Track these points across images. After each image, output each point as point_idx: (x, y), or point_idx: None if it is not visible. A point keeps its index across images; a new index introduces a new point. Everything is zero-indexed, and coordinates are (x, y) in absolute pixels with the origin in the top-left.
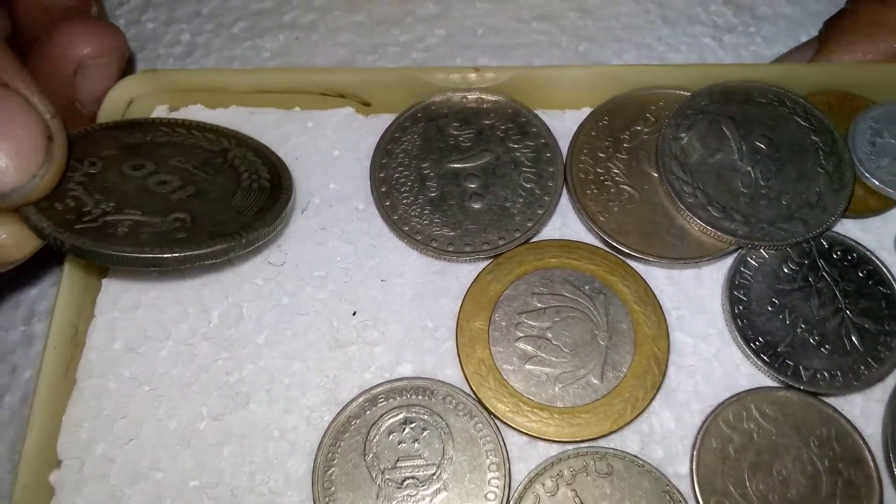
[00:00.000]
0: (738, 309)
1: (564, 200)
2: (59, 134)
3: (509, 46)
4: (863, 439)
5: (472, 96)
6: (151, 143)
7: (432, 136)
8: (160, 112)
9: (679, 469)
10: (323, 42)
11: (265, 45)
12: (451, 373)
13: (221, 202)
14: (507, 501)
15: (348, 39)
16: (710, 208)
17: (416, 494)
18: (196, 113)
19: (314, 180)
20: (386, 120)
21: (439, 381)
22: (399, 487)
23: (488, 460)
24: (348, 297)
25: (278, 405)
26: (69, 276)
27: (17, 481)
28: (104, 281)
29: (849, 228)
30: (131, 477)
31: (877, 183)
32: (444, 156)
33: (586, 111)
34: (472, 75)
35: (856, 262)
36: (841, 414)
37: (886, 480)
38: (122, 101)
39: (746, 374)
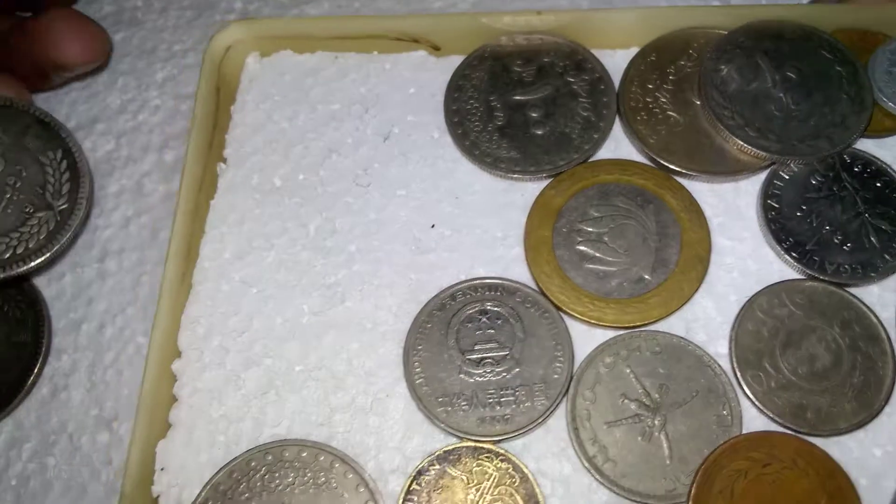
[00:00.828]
0: (771, 215)
1: (617, 126)
2: None
3: None
4: (879, 321)
5: (533, 38)
6: None
7: (498, 73)
8: (254, 59)
9: (719, 349)
10: None
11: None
12: (519, 273)
13: None
14: (572, 376)
15: None
16: (746, 129)
17: (491, 372)
18: (286, 58)
19: (394, 113)
20: (454, 61)
21: (510, 279)
22: (477, 366)
23: (554, 342)
24: (427, 212)
25: (370, 302)
26: (184, 199)
27: (147, 371)
28: (211, 202)
29: (868, 146)
30: (245, 364)
31: (892, 105)
32: (509, 90)
33: (634, 50)
34: (534, 18)
35: (874, 173)
36: (860, 301)
37: None
38: (220, 48)
39: (778, 269)
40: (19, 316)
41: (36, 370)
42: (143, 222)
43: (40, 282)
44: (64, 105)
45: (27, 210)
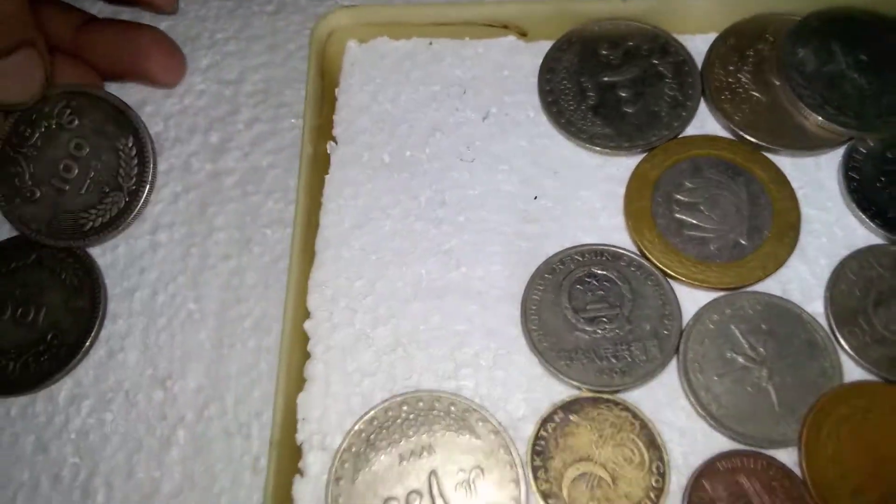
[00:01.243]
0: (854, 185)
1: (702, 106)
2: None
3: None
4: None
5: (618, 23)
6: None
7: (587, 56)
8: (354, 44)
9: (816, 308)
10: None
11: None
12: (620, 240)
13: None
14: (682, 332)
15: None
16: (826, 107)
17: (605, 329)
18: (383, 44)
19: (490, 94)
20: (542, 45)
21: (614, 245)
22: (590, 323)
23: (661, 302)
24: (529, 185)
25: (483, 268)
26: (304, 175)
27: (284, 330)
28: (326, 177)
29: None
30: (372, 323)
31: None
32: (599, 71)
33: (713, 35)
34: (619, 4)
35: None
36: None
37: None
38: (323, 34)
39: (863, 235)
40: (76, 283)
41: (93, 333)
42: (190, 198)
43: (95, 252)
44: (112, 87)
45: (104, 191)
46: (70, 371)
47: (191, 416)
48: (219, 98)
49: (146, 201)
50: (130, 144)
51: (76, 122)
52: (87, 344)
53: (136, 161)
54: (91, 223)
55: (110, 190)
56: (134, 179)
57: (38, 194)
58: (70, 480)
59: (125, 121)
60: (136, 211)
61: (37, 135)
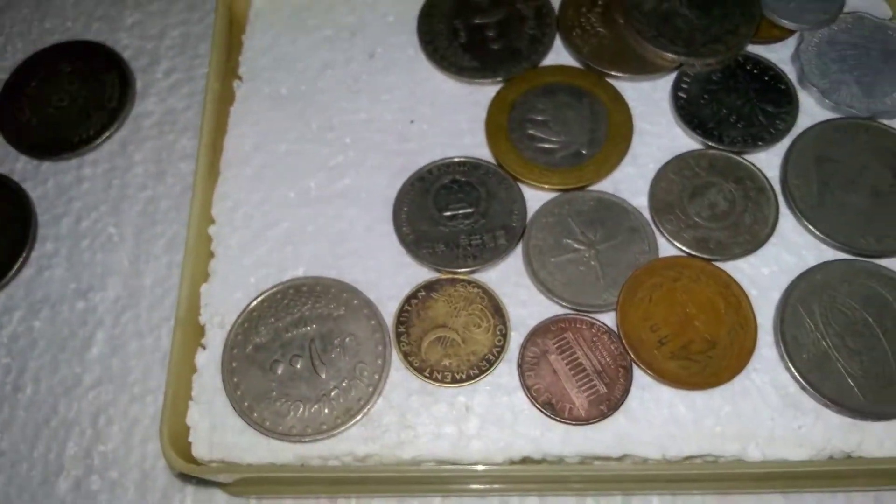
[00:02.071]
0: (681, 103)
1: (557, 42)
2: None
3: None
4: (765, 178)
5: None
6: None
7: (461, 2)
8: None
9: (641, 202)
10: None
11: None
12: (482, 154)
13: None
14: (525, 224)
15: None
16: (660, 38)
17: (462, 224)
18: None
19: (376, 37)
20: None
21: (475, 157)
22: (451, 220)
23: (512, 201)
24: (407, 112)
25: (365, 179)
26: (209, 106)
27: (189, 234)
28: (231, 108)
29: (759, 50)
30: (266, 226)
31: (777, 18)
32: (470, 15)
33: None
34: None
35: (762, 70)
36: (751, 163)
37: (782, 203)
38: None
39: (686, 143)
40: (10, 212)
41: (24, 255)
42: (113, 138)
43: (28, 185)
44: None
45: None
46: (3, 287)
47: (109, 321)
48: (141, 51)
49: None
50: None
51: None
52: (19, 264)
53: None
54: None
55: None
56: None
57: None
58: (2, 378)
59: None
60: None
61: None
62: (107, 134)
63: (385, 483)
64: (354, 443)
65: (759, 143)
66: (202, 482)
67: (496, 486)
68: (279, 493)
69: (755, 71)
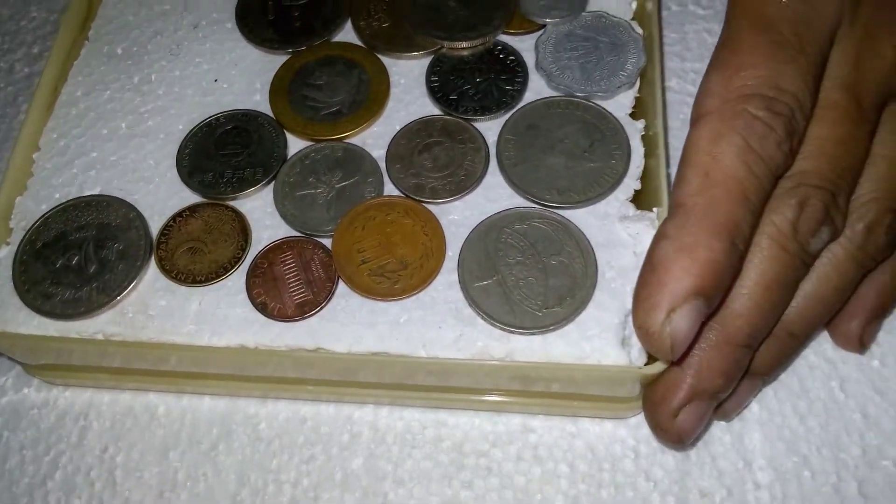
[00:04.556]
0: (433, 79)
1: (349, 25)
2: None
3: None
4: (484, 140)
5: None
6: None
7: None
8: None
9: (381, 154)
10: None
11: None
12: (265, 109)
13: None
14: (284, 161)
15: None
16: (425, 25)
17: (231, 160)
18: None
19: (203, 12)
20: None
21: (257, 111)
22: (224, 157)
23: (275, 146)
24: (215, 72)
25: (169, 122)
26: (53, 60)
27: (13, 156)
28: (75, 62)
29: (509, 40)
30: (78, 153)
31: (527, 13)
32: None
33: None
34: None
35: (507, 54)
36: (476, 129)
37: (493, 161)
38: None
39: (431, 110)
40: None
41: None
42: (8, 90)
43: None
44: None
45: None
46: None
47: None
48: (45, 23)
49: None
50: None
51: None
52: None
53: None
54: None
55: None
56: None
57: None
58: None
59: None
60: None
61: None
62: None
63: (143, 375)
64: (105, 324)
65: (487, 113)
66: (20, 365)
67: (214, 370)
68: (78, 380)
69: (501, 55)
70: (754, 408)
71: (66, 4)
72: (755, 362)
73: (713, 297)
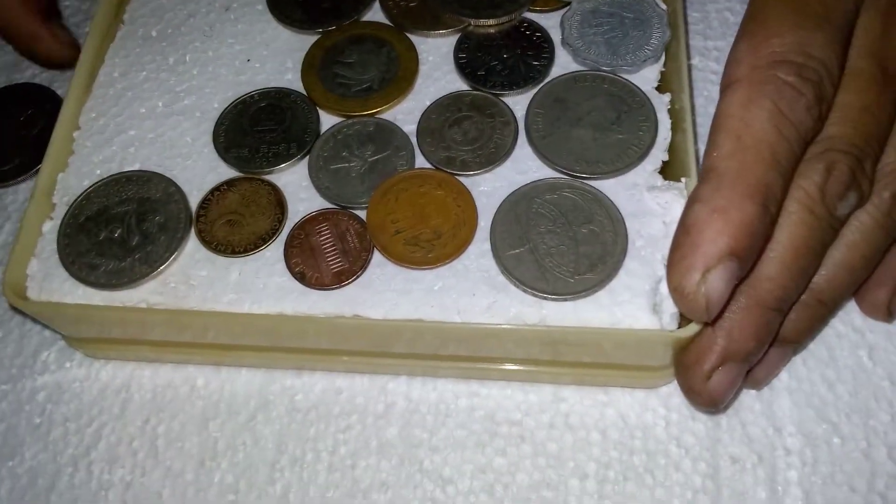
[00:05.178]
0: (461, 56)
1: (377, 5)
2: None
3: None
4: (512, 114)
5: None
6: None
7: None
8: None
9: (411, 128)
10: None
11: None
12: (297, 86)
13: None
14: (318, 135)
15: None
16: (455, 4)
17: (265, 136)
18: None
19: None
20: None
21: (290, 88)
22: (258, 134)
23: (308, 122)
24: (247, 52)
25: (204, 100)
26: (91, 41)
27: (55, 135)
28: (111, 45)
29: (534, 17)
30: (116, 131)
31: None
32: None
33: None
34: None
35: (533, 31)
36: (504, 103)
37: (522, 134)
38: None
39: (460, 86)
40: None
41: None
42: (44, 75)
43: None
44: None
45: None
46: None
47: None
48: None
49: None
50: None
51: None
52: None
53: None
54: None
55: None
56: None
57: None
58: None
59: None
60: None
61: None
62: None
63: (183, 347)
64: (148, 294)
65: (514, 88)
66: (63, 340)
67: (251, 342)
68: (119, 353)
69: (527, 32)
70: (783, 376)
71: None
72: (785, 330)
73: (747, 259)
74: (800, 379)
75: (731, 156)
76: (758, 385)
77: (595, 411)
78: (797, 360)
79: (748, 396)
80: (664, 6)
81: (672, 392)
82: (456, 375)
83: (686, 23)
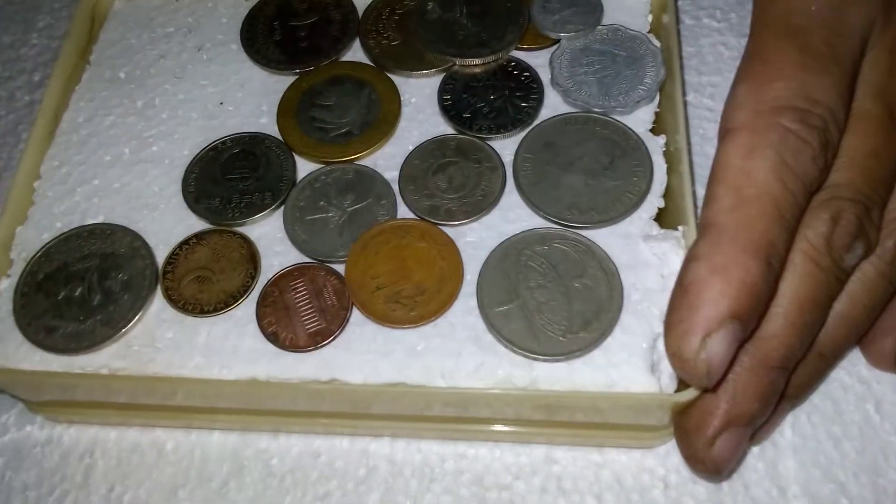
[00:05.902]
0: (445, 97)
1: (357, 43)
2: None
3: None
4: (500, 159)
5: None
6: None
7: (283, 8)
8: (119, 1)
9: (394, 175)
10: None
11: None
12: (273, 131)
13: None
14: (294, 184)
15: None
16: (438, 43)
17: (239, 184)
18: (143, 1)
19: (208, 34)
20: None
21: (264, 133)
22: (230, 182)
23: (283, 168)
24: (220, 95)
25: (173, 146)
26: (55, 82)
27: (14, 184)
28: (76, 87)
29: (522, 55)
30: (80, 181)
31: (541, 28)
32: (288, 18)
33: None
34: None
35: (520, 70)
36: (491, 147)
37: (510, 181)
38: None
39: (444, 129)
40: None
41: None
42: (9, 118)
43: None
44: None
45: None
46: None
47: None
48: (47, 49)
49: None
50: None
51: None
52: None
53: None
54: None
55: None
56: None
57: None
58: None
59: None
60: None
61: None
62: None
63: (150, 410)
64: (110, 358)
65: (502, 131)
66: (23, 403)
67: (223, 404)
68: (83, 416)
69: (514, 72)
70: (787, 433)
71: (68, 30)
72: None
73: (749, 320)
74: (804, 436)
75: (732, 210)
76: (757, 441)
77: (589, 473)
78: (802, 416)
79: (751, 456)
80: (658, 43)
81: (670, 450)
82: (441, 437)
83: (681, 58)
